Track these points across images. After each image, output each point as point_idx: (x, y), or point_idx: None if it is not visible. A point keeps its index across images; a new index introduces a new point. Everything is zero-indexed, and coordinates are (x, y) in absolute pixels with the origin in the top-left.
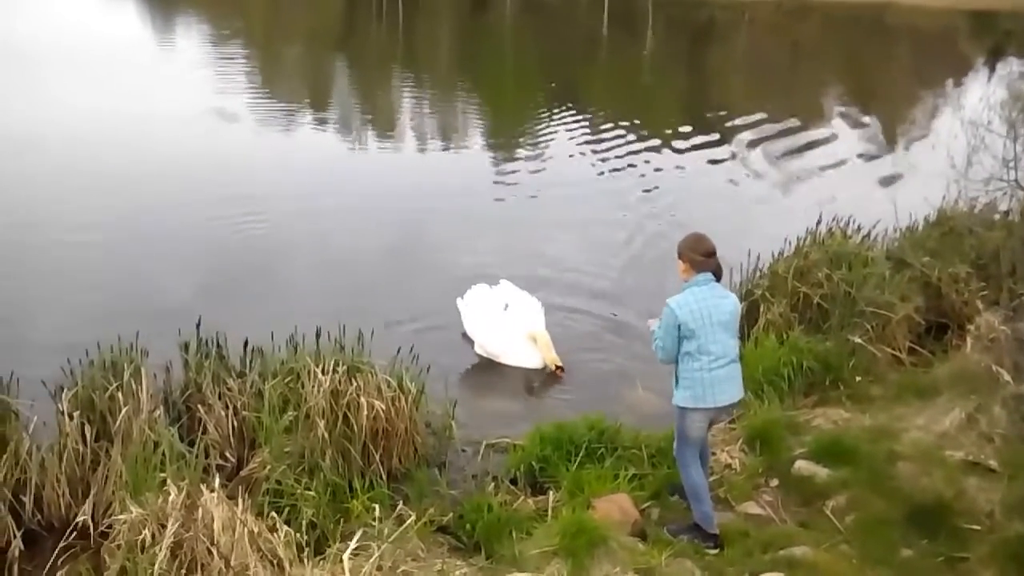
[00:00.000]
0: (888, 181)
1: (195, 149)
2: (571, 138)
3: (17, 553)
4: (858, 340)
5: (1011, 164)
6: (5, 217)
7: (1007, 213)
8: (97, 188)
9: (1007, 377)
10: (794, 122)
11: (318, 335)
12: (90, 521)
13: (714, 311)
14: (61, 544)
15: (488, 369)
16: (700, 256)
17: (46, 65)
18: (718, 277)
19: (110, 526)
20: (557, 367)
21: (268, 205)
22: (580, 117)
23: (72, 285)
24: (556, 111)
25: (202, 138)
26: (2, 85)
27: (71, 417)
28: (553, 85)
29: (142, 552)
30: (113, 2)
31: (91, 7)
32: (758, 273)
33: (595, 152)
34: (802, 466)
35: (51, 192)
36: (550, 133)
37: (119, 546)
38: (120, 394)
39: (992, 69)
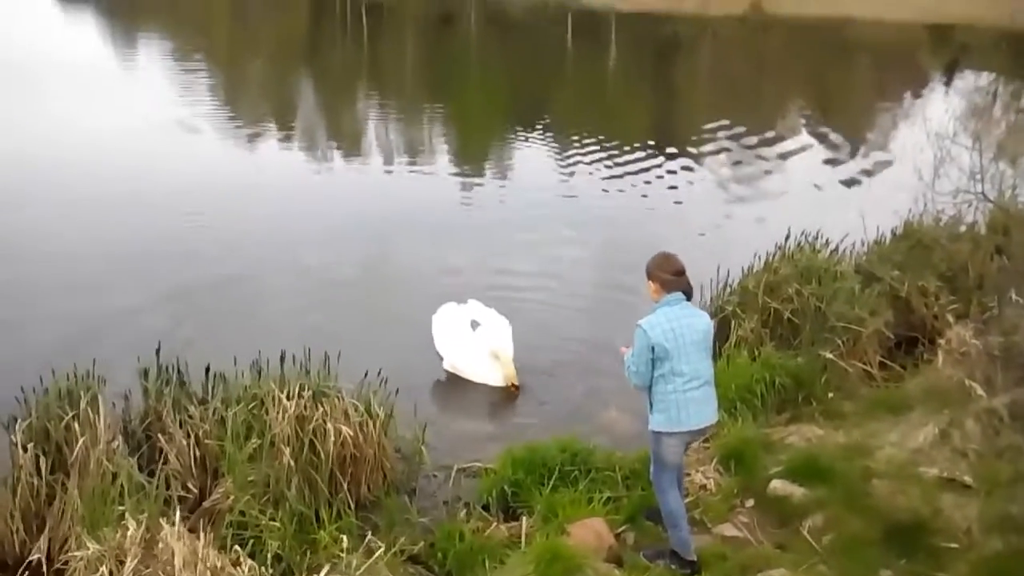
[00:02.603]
0: (855, 195)
1: (155, 169)
2: (538, 154)
3: None
4: (829, 355)
5: (978, 176)
6: None
7: (974, 225)
8: (52, 209)
9: (980, 391)
10: (760, 136)
11: (282, 359)
12: (45, 558)
13: (687, 331)
14: None
15: (459, 390)
16: (669, 275)
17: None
18: (688, 296)
19: (67, 563)
20: (512, 385)
21: (231, 226)
22: (546, 133)
23: (26, 311)
24: (521, 127)
25: (163, 158)
26: None
27: (25, 449)
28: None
29: None
30: (71, 17)
31: (48, 22)
32: (728, 289)
33: (560, 170)
34: (778, 486)
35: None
36: (517, 149)
37: None
38: (76, 424)
39: (950, 82)
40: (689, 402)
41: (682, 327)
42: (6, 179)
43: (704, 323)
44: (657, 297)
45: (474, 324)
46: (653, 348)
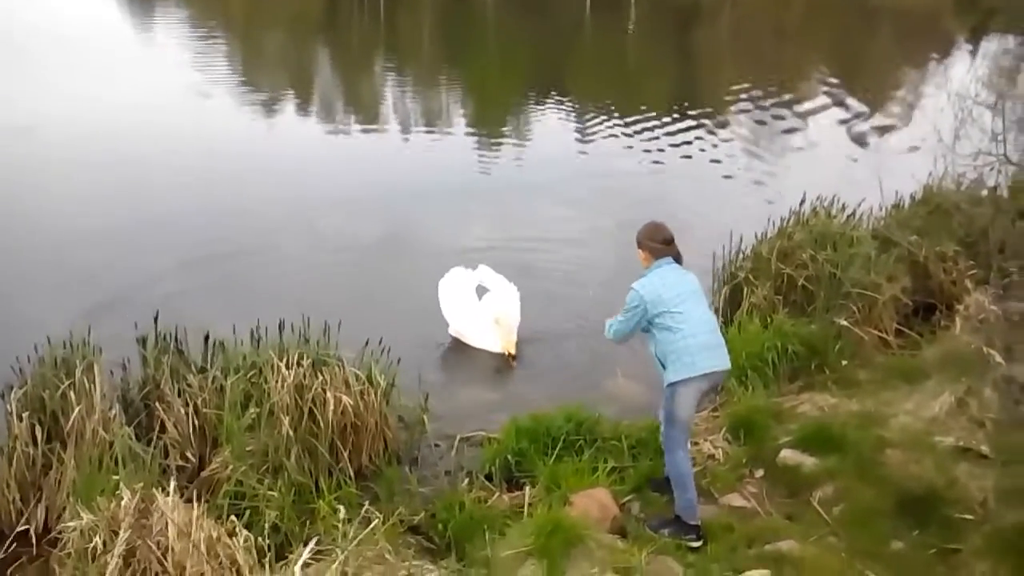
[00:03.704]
0: (873, 159)
1: (169, 136)
2: (555, 123)
3: None
4: (844, 322)
5: (999, 137)
6: None
7: (995, 188)
8: (54, 176)
9: (998, 358)
10: (778, 103)
11: (281, 328)
12: (41, 528)
13: (679, 284)
14: (8, 552)
15: (464, 358)
16: (658, 244)
17: (23, 53)
18: (678, 263)
19: (61, 532)
20: (509, 354)
21: (240, 193)
22: (564, 101)
23: (24, 279)
24: (540, 96)
25: (178, 126)
26: None
27: (20, 418)
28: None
29: (92, 561)
30: None
31: None
32: (741, 255)
33: (579, 136)
34: (787, 455)
35: (12, 181)
36: (534, 118)
37: (69, 555)
38: (72, 393)
39: (976, 46)
40: (699, 347)
41: (674, 281)
42: (11, 147)
43: (693, 278)
44: (647, 265)
45: (482, 290)
46: (646, 307)
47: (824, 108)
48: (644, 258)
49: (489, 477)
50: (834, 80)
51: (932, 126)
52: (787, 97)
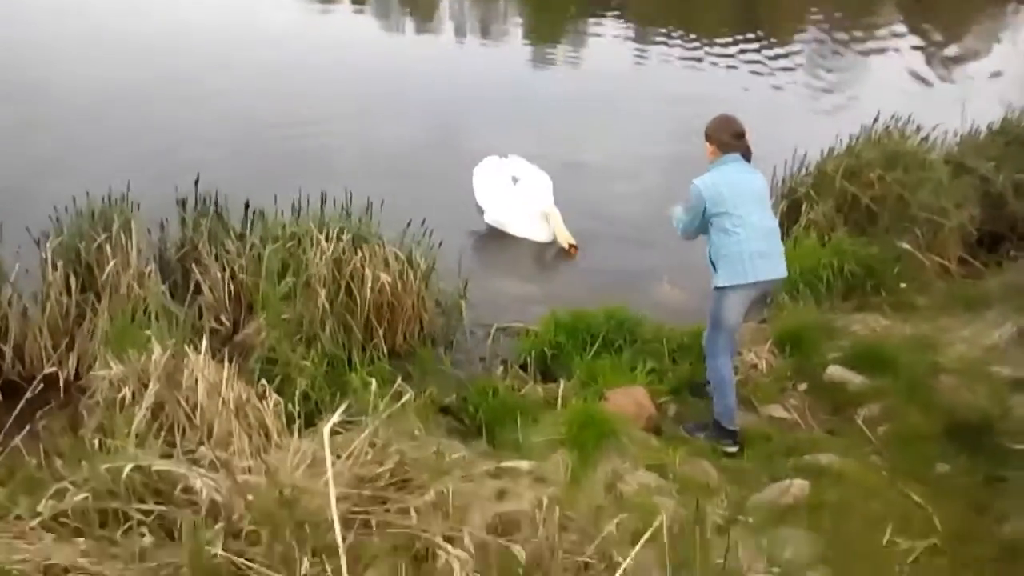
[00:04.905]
0: (950, 88)
1: (224, 18)
2: (615, 35)
3: None
4: (906, 246)
5: None
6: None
7: None
8: (116, 50)
9: None
10: (852, 28)
11: (323, 201)
12: (72, 376)
13: (742, 185)
14: (38, 397)
15: (503, 248)
16: (728, 137)
17: None
18: (748, 160)
19: (90, 382)
20: (571, 245)
21: (294, 80)
22: (624, 14)
23: (73, 139)
24: (600, 9)
25: (242, 17)
26: None
27: (55, 266)
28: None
29: (120, 411)
30: None
31: None
32: (804, 170)
33: (639, 49)
34: (834, 372)
35: (80, 49)
36: (592, 32)
37: (97, 403)
38: (108, 246)
39: None
40: (753, 254)
41: (737, 181)
42: (64, 22)
43: (760, 179)
44: (713, 159)
45: (515, 180)
46: (706, 206)
47: (900, 34)
48: (711, 152)
49: (524, 367)
50: (911, 7)
51: (1017, 55)
52: (862, 22)
